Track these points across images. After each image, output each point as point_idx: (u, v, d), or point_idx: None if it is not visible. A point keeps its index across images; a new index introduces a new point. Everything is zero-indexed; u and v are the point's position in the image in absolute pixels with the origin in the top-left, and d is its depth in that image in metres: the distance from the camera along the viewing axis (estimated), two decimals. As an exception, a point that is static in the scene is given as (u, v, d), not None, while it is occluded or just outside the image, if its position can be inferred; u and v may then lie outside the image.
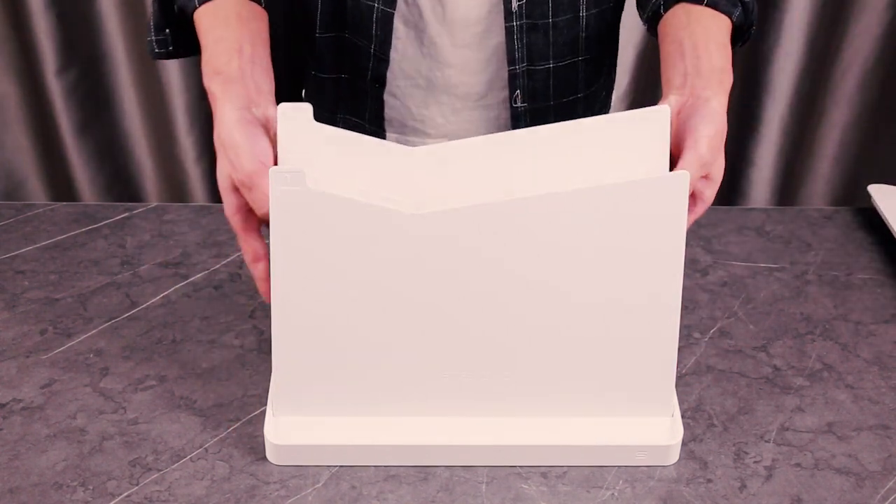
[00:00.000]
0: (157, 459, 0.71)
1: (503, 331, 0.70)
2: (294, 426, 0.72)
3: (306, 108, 0.68)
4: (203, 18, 0.79)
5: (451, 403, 0.72)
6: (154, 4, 0.84)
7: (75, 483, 0.69)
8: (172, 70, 1.63)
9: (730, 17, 0.80)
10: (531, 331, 0.70)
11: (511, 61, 0.93)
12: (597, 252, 0.68)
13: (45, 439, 0.73)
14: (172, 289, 0.93)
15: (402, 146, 0.72)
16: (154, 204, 1.09)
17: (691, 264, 0.99)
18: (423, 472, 0.70)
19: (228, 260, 0.98)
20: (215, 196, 1.80)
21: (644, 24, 0.88)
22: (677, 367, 0.82)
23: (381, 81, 0.96)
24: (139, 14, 1.61)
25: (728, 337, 0.87)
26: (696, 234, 1.05)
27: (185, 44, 0.86)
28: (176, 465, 0.71)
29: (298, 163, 0.68)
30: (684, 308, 0.91)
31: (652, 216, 0.67)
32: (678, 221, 0.67)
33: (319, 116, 0.87)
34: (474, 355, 0.71)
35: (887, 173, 1.64)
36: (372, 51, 0.94)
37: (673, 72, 0.76)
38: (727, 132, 0.73)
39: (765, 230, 1.06)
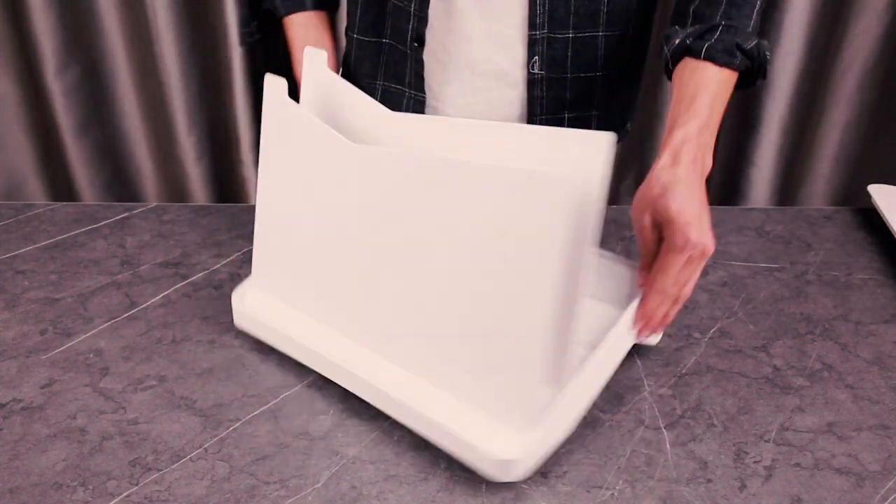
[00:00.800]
0: (157, 459, 0.71)
1: (403, 275, 0.74)
2: (257, 301, 0.86)
3: (322, 53, 0.81)
4: (292, 28, 1.06)
5: (363, 331, 0.79)
6: (243, 5, 1.04)
7: (75, 483, 0.69)
8: (172, 70, 1.63)
9: (731, 68, 0.82)
10: (420, 286, 0.73)
11: (532, 26, 0.95)
12: (480, 230, 0.68)
13: (45, 439, 0.73)
14: (172, 289, 0.93)
15: (389, 112, 0.80)
16: (154, 204, 1.09)
17: (691, 264, 0.99)
18: (424, 472, 0.70)
19: (228, 260, 0.98)
20: (215, 196, 1.81)
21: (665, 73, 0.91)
22: (678, 367, 0.82)
23: (420, 41, 0.98)
24: (139, 14, 1.61)
25: (728, 337, 0.87)
26: (696, 234, 1.05)
27: (268, 27, 1.09)
28: (176, 465, 0.71)
29: (310, 103, 0.82)
30: (684, 308, 0.91)
31: (532, 210, 0.64)
32: (557, 225, 0.63)
33: (360, 84, 1.05)
34: (385, 289, 0.76)
35: (887, 173, 1.64)
36: (412, 10, 0.96)
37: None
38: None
39: (765, 230, 1.06)
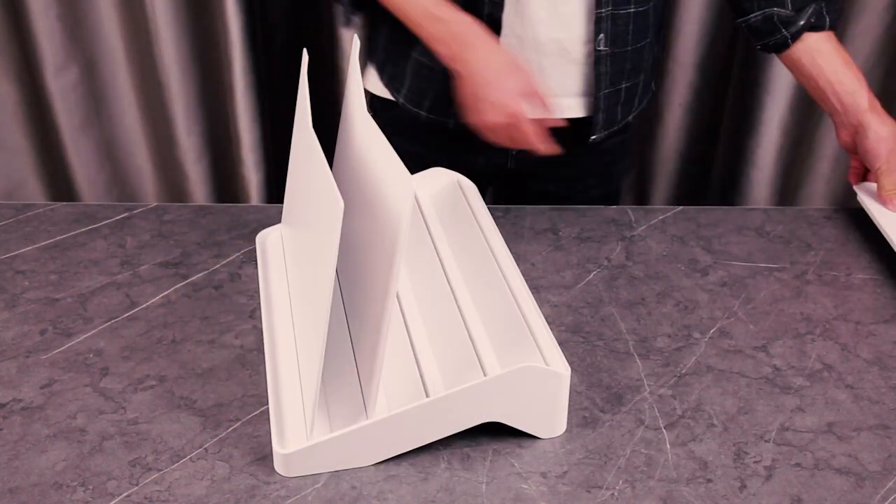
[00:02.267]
0: (157, 459, 0.71)
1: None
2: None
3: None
4: None
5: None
6: None
7: (75, 483, 0.69)
8: (172, 70, 1.63)
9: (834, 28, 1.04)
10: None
11: (598, 4, 0.99)
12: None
13: (45, 439, 0.73)
14: (172, 289, 0.93)
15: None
16: (154, 204, 1.09)
17: (691, 264, 0.99)
18: (424, 472, 0.70)
19: (228, 260, 0.98)
20: (215, 196, 1.81)
21: (763, 50, 1.10)
22: (678, 367, 0.82)
23: (497, 26, 1.00)
24: (139, 14, 1.61)
25: (728, 337, 0.87)
26: (697, 234, 1.05)
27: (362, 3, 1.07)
28: (176, 465, 0.71)
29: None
30: (684, 308, 0.91)
31: None
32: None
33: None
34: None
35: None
36: None
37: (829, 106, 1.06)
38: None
39: (765, 230, 1.06)
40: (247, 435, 0.74)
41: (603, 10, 0.99)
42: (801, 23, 1.02)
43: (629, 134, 1.23)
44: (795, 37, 1.04)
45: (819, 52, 1.04)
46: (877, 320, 0.90)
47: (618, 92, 1.08)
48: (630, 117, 1.14)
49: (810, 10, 1.02)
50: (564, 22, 1.01)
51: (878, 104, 1.03)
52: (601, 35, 1.01)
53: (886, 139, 1.02)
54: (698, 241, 1.03)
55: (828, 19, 1.03)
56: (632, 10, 1.01)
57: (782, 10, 1.03)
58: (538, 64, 1.04)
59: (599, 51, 1.02)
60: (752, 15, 1.06)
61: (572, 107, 1.09)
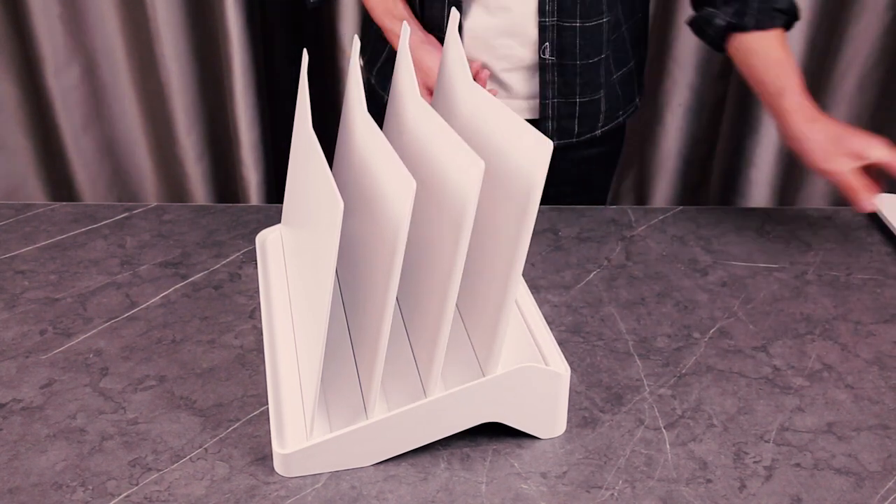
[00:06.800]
0: (157, 459, 0.71)
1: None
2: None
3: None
4: None
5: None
6: None
7: (75, 483, 0.69)
8: (172, 70, 1.63)
9: (780, 28, 1.02)
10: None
11: (542, 13, 1.03)
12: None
13: (45, 439, 0.73)
14: (172, 289, 0.93)
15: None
16: (154, 204, 1.09)
17: (691, 264, 0.99)
18: (424, 472, 0.70)
19: (228, 260, 0.98)
20: (215, 196, 1.81)
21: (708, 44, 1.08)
22: (678, 367, 0.82)
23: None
24: (139, 14, 1.61)
25: (728, 337, 0.87)
26: (696, 234, 1.05)
27: None
28: (176, 465, 0.71)
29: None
30: (684, 308, 0.91)
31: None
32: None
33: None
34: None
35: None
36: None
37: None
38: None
39: (765, 230, 1.06)
40: (247, 435, 0.74)
41: (547, 20, 1.03)
42: (721, 23, 1.03)
43: (609, 147, 1.23)
44: (720, 35, 1.04)
45: (750, 51, 1.02)
46: (877, 320, 0.90)
47: (571, 105, 1.11)
48: (598, 132, 1.16)
49: (731, 11, 1.02)
50: (515, 30, 1.06)
51: (807, 105, 1.01)
52: (546, 44, 1.05)
53: (821, 142, 0.99)
54: (698, 241, 1.04)
55: (750, 21, 1.01)
56: (577, 24, 1.04)
57: (710, 9, 1.05)
58: (490, 67, 1.09)
59: (544, 59, 1.06)
60: (693, 14, 1.09)
61: (522, 108, 1.12)
